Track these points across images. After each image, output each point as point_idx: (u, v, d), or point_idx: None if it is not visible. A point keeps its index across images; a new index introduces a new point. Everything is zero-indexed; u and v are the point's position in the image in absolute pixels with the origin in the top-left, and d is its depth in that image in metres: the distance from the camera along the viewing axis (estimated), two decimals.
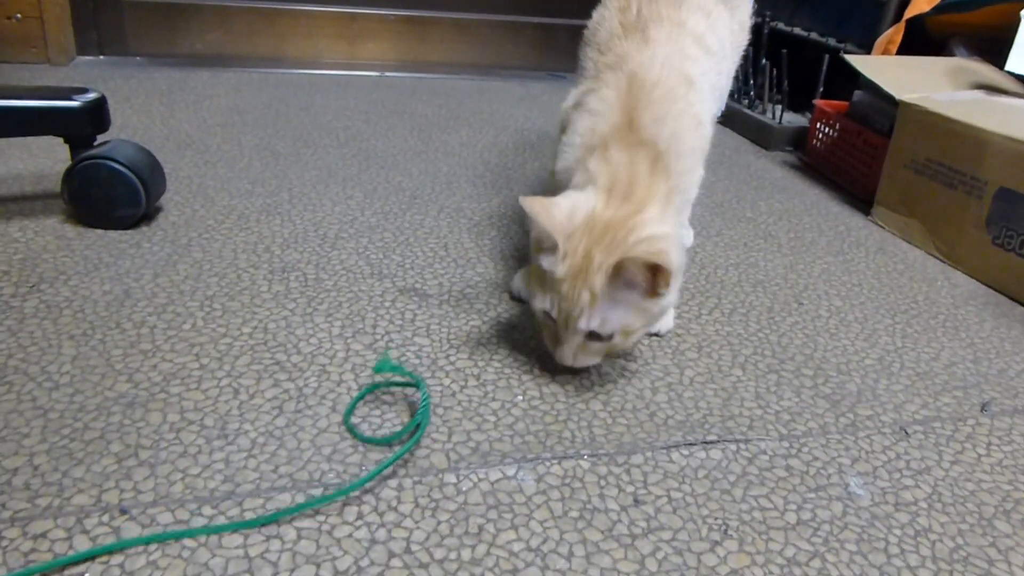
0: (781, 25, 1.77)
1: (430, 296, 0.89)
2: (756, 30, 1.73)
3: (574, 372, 0.77)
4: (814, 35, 1.69)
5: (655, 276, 0.67)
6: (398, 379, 0.72)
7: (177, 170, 1.17)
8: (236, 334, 0.78)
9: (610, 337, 0.71)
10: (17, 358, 0.71)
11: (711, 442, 0.70)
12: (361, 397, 0.70)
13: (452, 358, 0.78)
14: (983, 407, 0.80)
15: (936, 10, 1.42)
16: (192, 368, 0.72)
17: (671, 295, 0.71)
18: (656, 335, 0.87)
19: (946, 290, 1.07)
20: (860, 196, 1.37)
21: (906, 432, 0.75)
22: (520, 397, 0.73)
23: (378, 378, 0.73)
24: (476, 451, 0.65)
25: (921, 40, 1.52)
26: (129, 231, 0.97)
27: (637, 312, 0.70)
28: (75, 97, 0.96)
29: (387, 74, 1.91)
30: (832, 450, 0.71)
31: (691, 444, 0.69)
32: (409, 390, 0.72)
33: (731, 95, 1.74)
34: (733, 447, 0.70)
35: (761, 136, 1.64)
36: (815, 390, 0.80)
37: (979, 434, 0.76)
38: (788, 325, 0.92)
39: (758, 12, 1.75)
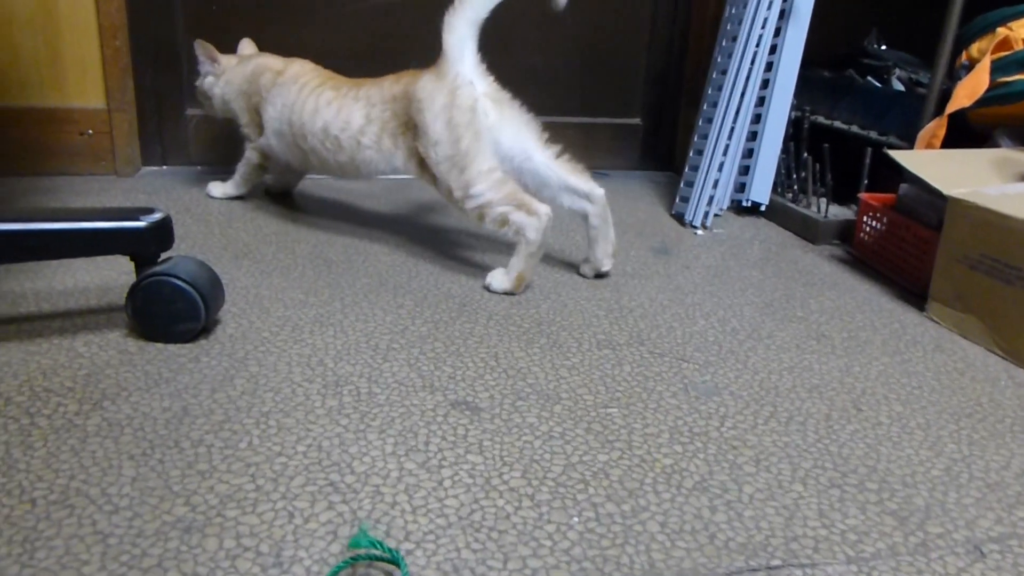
0: (821, 119, 1.79)
1: (482, 409, 0.89)
2: (796, 124, 1.76)
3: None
4: (855, 128, 1.70)
5: None
6: (376, 553, 0.64)
7: (234, 280, 1.21)
8: (291, 452, 0.79)
9: None
10: (79, 479, 0.73)
11: (775, 567, 0.67)
12: (335, 573, 0.63)
13: (505, 477, 0.77)
14: None
15: (977, 104, 1.43)
16: (248, 490, 0.73)
17: None
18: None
19: (1011, 390, 1.03)
20: (913, 290, 1.35)
21: (982, 552, 0.71)
22: (576, 519, 0.71)
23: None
24: None
25: (964, 132, 1.52)
26: (188, 345, 1.00)
27: None
28: (142, 218, 1.00)
29: None
30: (903, 573, 0.68)
31: (755, 570, 0.67)
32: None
33: (774, 189, 1.76)
34: (799, 572, 0.67)
35: (807, 230, 1.64)
36: (881, 506, 0.77)
37: None
38: (848, 434, 0.89)
39: (797, 106, 1.78)
